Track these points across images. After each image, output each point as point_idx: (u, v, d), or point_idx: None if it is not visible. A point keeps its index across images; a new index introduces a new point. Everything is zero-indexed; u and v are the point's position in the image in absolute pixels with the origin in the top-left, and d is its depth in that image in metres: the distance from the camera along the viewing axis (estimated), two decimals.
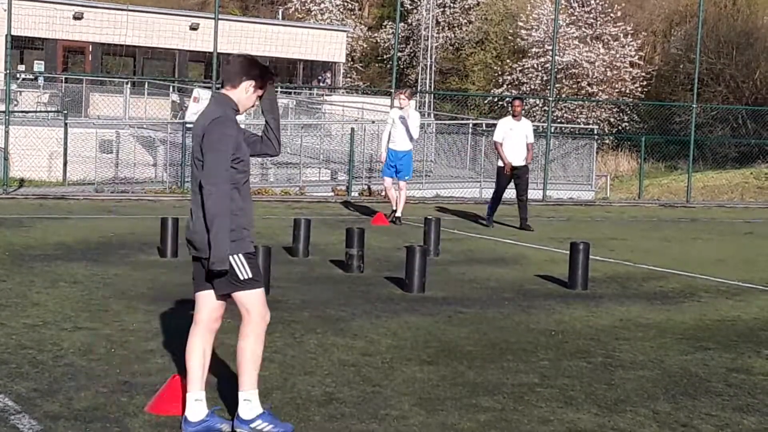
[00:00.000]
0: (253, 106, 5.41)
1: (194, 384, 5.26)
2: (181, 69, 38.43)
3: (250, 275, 5.14)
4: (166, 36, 35.71)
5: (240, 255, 5.11)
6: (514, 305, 9.36)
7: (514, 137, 15.90)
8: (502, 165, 15.97)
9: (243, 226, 5.17)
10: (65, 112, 26.67)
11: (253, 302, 5.17)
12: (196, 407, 5.22)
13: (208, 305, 5.28)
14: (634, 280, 11.32)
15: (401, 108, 16.30)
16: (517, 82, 45.80)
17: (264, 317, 5.22)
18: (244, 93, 5.27)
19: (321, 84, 40.56)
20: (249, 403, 5.17)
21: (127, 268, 10.54)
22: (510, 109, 16.34)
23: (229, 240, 5.07)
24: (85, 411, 5.55)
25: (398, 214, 16.24)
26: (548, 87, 27.09)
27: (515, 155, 15.92)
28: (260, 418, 5.17)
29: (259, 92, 5.32)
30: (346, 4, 54.07)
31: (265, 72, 5.34)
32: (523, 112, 16.63)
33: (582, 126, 38.95)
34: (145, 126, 28.83)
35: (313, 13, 52.22)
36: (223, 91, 5.29)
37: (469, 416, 5.76)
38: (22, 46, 33.34)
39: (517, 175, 15.98)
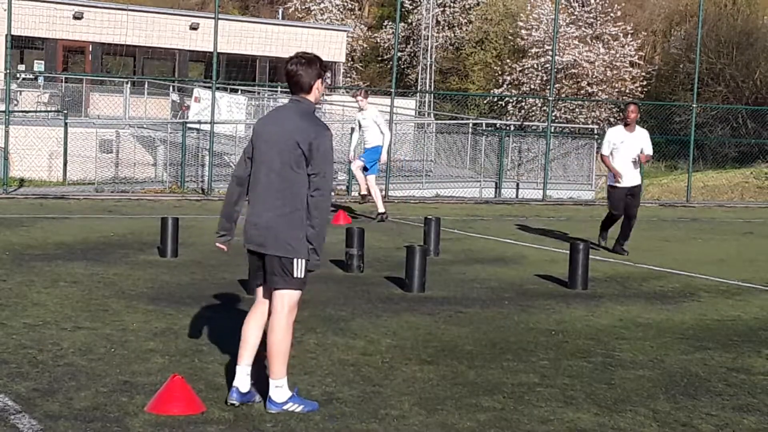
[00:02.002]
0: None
1: (244, 360, 5.73)
2: (181, 69, 38.38)
3: (302, 276, 5.63)
4: (166, 36, 35.67)
5: (305, 259, 5.61)
6: (514, 305, 9.36)
7: (626, 150, 13.09)
8: (613, 183, 13.28)
9: None
10: (65, 111, 26.69)
11: (292, 300, 5.64)
12: (281, 391, 5.65)
13: (267, 296, 5.75)
14: (634, 279, 11.31)
15: (361, 110, 16.35)
16: (517, 82, 45.83)
17: (294, 314, 5.70)
18: (317, 92, 5.77)
19: None
20: (280, 389, 5.65)
21: (127, 268, 10.54)
22: (623, 116, 13.43)
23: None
24: (85, 411, 5.55)
25: (380, 210, 16.23)
26: (548, 87, 27.08)
27: (628, 172, 13.19)
28: (291, 400, 5.67)
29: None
30: (346, 3, 54.06)
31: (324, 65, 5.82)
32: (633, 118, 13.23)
33: (582, 126, 38.93)
34: (145, 126, 28.82)
35: (313, 13, 52.22)
36: (303, 95, 5.76)
37: (469, 416, 5.76)
38: (22, 46, 33.27)
39: (631, 194, 13.34)
